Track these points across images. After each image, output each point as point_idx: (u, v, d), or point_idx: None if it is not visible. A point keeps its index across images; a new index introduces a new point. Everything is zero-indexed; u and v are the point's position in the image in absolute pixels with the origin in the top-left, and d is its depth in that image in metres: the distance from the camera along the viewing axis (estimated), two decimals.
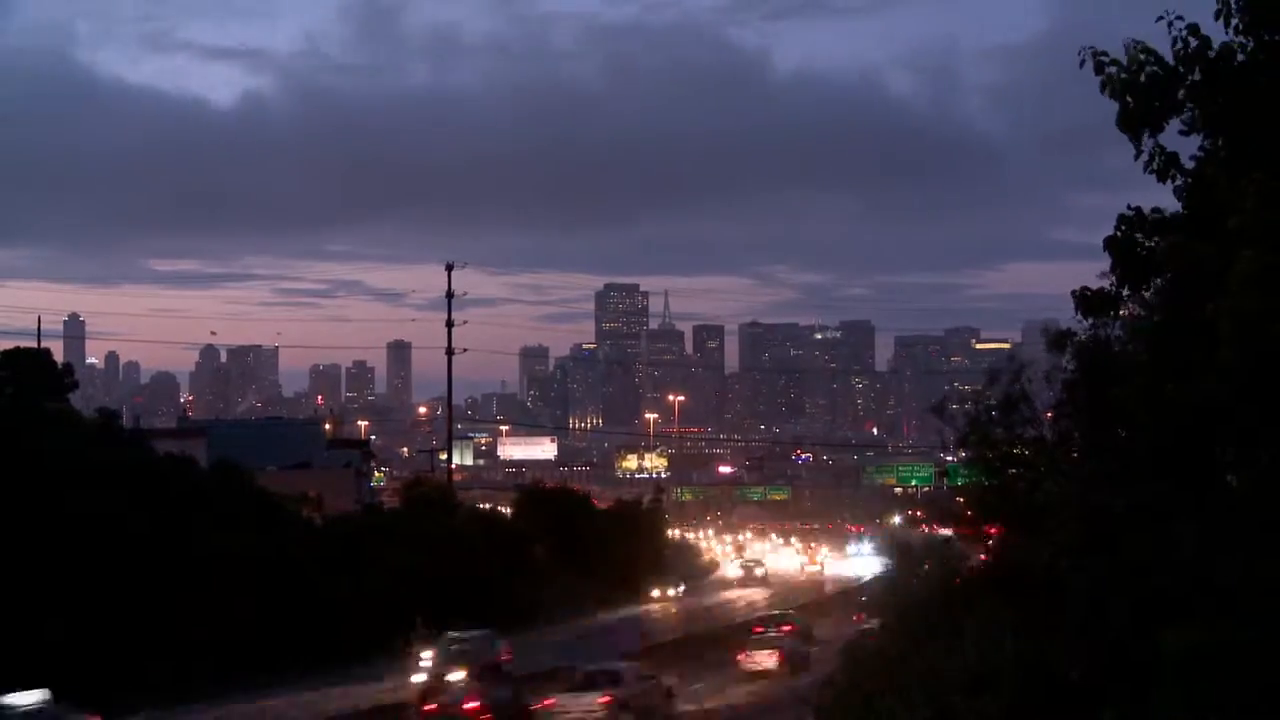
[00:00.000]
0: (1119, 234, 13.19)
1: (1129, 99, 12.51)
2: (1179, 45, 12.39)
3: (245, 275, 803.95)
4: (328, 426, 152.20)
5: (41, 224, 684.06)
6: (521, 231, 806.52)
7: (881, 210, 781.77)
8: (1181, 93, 12.49)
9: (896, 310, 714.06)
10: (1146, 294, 14.29)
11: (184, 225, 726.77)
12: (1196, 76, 12.40)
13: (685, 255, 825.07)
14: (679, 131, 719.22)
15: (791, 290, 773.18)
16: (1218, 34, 12.44)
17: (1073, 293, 14.43)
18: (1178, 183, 12.73)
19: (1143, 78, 12.45)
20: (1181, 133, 12.78)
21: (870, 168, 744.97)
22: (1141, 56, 12.50)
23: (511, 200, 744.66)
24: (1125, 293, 14.13)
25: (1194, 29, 12.36)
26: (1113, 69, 12.56)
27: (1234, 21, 12.23)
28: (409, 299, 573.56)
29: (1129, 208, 13.26)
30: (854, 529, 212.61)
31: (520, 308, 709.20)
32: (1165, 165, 12.63)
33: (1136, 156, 12.63)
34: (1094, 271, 14.28)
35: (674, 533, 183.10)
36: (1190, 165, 12.81)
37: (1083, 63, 12.69)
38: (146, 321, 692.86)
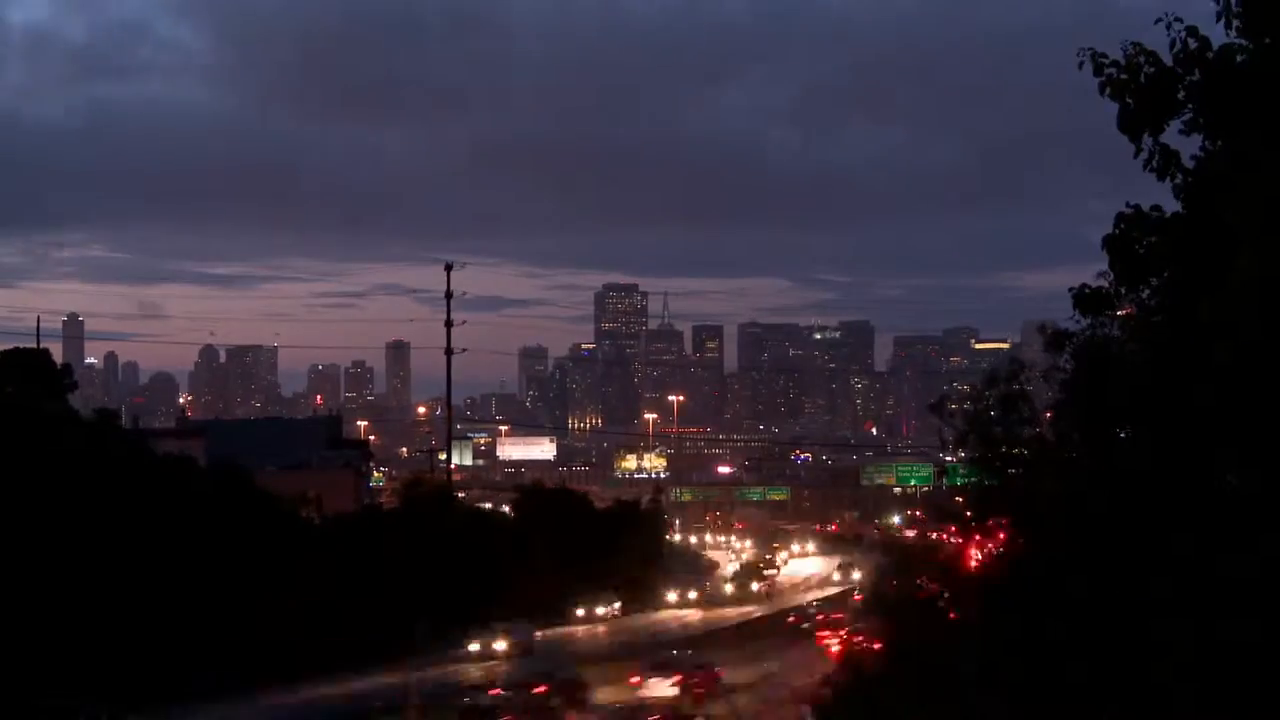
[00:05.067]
0: (1117, 232, 13.17)
1: (1128, 100, 12.51)
2: (1177, 47, 12.39)
3: (288, 277, 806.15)
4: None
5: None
6: (569, 231, 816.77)
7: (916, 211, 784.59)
8: (1181, 93, 12.47)
9: (939, 312, 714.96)
10: (1145, 293, 14.26)
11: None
12: (1195, 77, 12.39)
13: (712, 257, 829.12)
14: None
15: (826, 291, 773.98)
16: (1217, 37, 12.44)
17: (1070, 290, 14.43)
18: (1177, 181, 12.72)
19: (1141, 78, 12.44)
20: (1182, 132, 12.77)
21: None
22: (1140, 59, 12.49)
23: (560, 200, 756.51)
24: (1123, 292, 14.12)
25: (1193, 30, 12.34)
26: (1111, 70, 12.55)
27: (1235, 23, 12.22)
28: (433, 299, 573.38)
29: (1128, 206, 13.24)
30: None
31: (555, 309, 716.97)
32: (1165, 163, 12.61)
33: (1136, 154, 12.61)
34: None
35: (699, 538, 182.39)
36: (1190, 164, 12.79)
37: (1081, 64, 12.69)
38: (178, 323, 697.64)
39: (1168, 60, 12.57)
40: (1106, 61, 12.66)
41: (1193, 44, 12.38)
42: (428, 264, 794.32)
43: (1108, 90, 12.68)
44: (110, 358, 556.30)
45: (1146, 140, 12.58)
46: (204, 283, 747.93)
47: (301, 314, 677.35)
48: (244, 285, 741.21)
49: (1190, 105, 12.58)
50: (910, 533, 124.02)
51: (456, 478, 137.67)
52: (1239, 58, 12.35)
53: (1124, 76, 12.57)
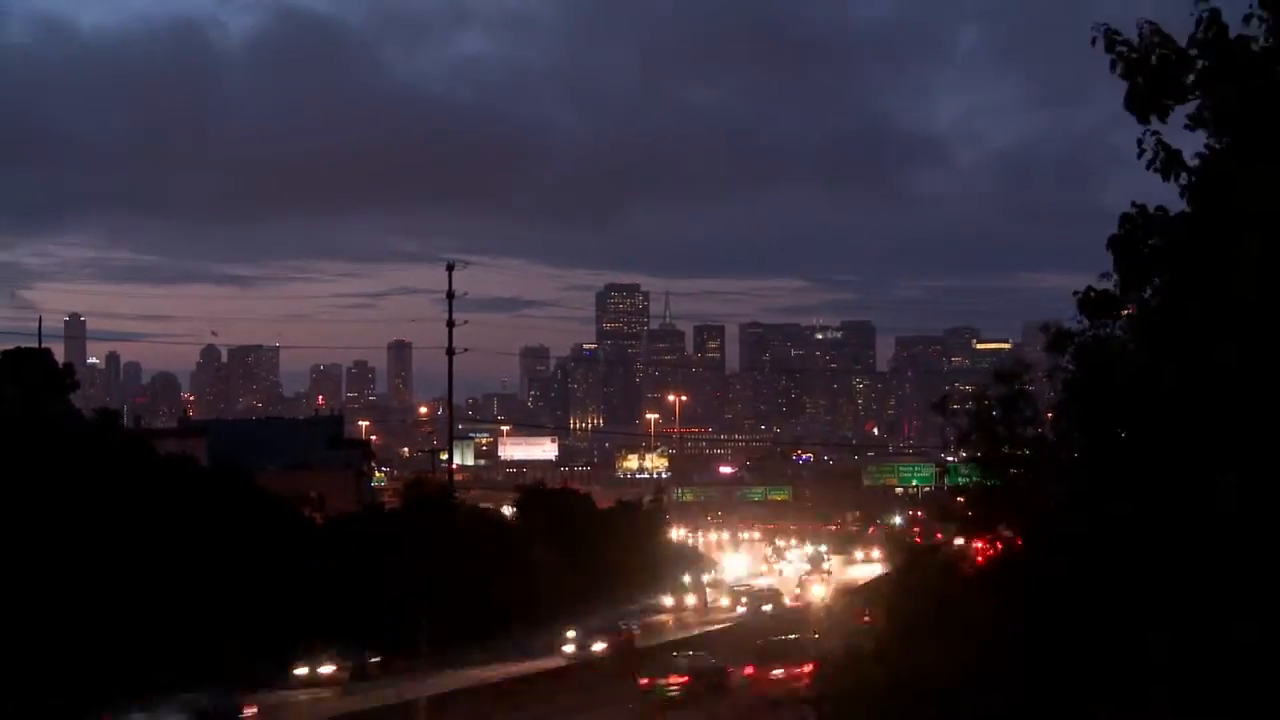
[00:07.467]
0: (1122, 232, 13.11)
1: (1139, 79, 12.39)
2: (1199, 29, 12.25)
3: (304, 277, 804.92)
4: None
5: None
6: (587, 230, 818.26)
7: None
8: (1191, 78, 12.37)
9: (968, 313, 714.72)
10: (1149, 293, 14.21)
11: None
12: (1208, 63, 12.27)
13: (726, 256, 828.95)
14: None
15: (842, 291, 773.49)
16: (1236, 26, 12.32)
17: (1074, 293, 14.37)
18: (1182, 181, 12.64)
19: (1153, 59, 12.32)
20: (1187, 127, 12.68)
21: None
22: (1155, 39, 12.39)
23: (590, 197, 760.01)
24: (1127, 293, 14.06)
25: (1215, 15, 12.20)
26: (1123, 48, 12.43)
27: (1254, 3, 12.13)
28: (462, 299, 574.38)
29: (1133, 205, 13.17)
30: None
31: (560, 309, 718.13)
32: (1168, 162, 12.53)
33: (1140, 154, 12.53)
34: None
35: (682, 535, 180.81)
36: (1194, 162, 12.72)
37: (1094, 40, 12.57)
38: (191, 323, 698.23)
39: (1180, 44, 12.47)
40: (1119, 39, 12.55)
41: (1213, 31, 12.26)
42: (439, 264, 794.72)
43: (1119, 68, 12.57)
44: (112, 358, 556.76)
45: (1149, 139, 12.51)
46: (223, 282, 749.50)
47: (318, 314, 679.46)
48: (265, 285, 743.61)
49: (1198, 92, 12.48)
50: (915, 530, 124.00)
51: (458, 478, 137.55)
52: (1254, 46, 12.25)
53: (1135, 56, 12.45)
